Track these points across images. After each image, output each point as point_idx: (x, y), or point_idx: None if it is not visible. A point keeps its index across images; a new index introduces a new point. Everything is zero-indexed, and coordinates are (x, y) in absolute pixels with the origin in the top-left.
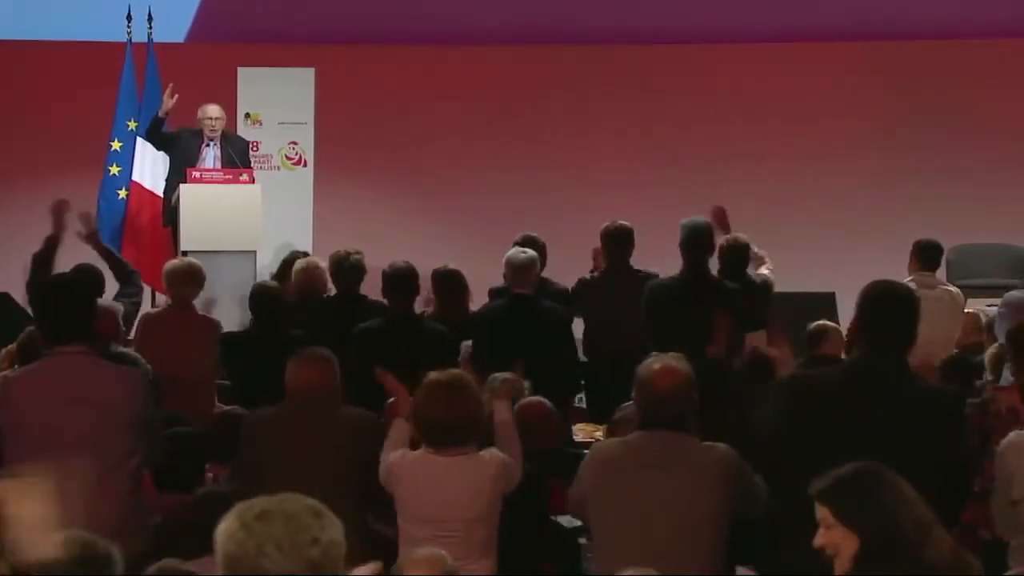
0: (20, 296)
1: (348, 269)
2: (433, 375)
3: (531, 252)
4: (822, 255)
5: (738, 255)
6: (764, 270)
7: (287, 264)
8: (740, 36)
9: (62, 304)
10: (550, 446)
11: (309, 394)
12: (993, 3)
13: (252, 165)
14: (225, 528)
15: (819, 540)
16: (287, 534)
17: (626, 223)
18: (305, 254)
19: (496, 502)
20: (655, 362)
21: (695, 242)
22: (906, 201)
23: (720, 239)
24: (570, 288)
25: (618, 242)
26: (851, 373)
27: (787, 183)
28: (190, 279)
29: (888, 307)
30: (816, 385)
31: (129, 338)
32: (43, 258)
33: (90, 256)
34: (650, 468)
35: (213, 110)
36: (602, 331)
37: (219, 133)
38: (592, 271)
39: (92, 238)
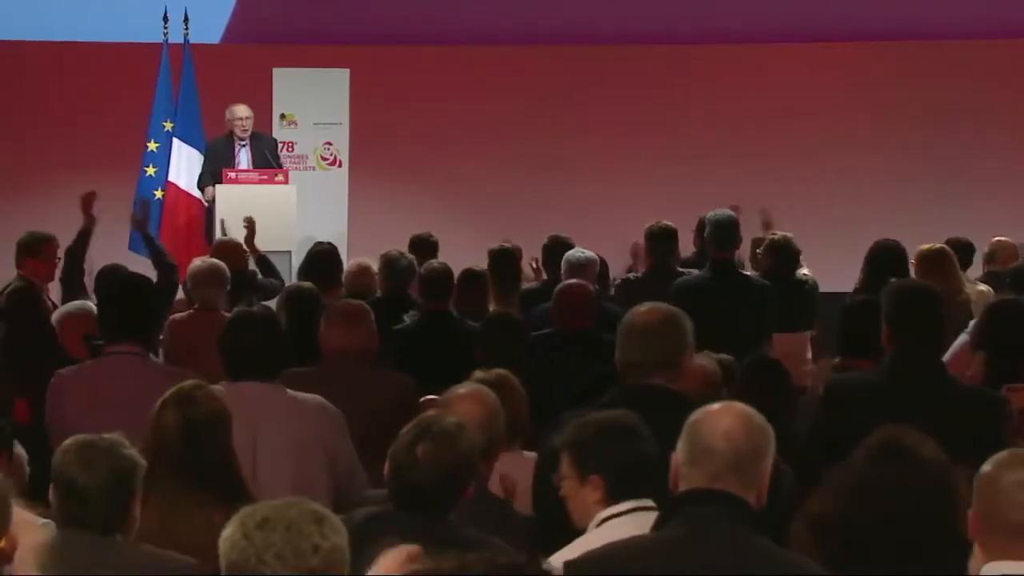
0: (55, 292)
1: (400, 271)
2: (478, 374)
3: (590, 253)
4: (851, 255)
5: (788, 255)
6: (805, 270)
7: (317, 259)
8: (766, 37)
9: (123, 302)
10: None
11: (344, 354)
12: (1014, 3)
13: (287, 165)
14: (228, 535)
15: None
16: (287, 542)
17: (670, 223)
18: (329, 244)
19: (529, 504)
20: None
21: (722, 236)
22: (938, 200)
23: (768, 236)
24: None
25: (662, 242)
26: (888, 375)
27: (815, 182)
28: (214, 280)
29: (915, 306)
30: (856, 389)
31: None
32: (76, 252)
33: (119, 251)
34: None
35: (242, 110)
36: None
37: (250, 133)
38: (630, 268)
39: (141, 225)
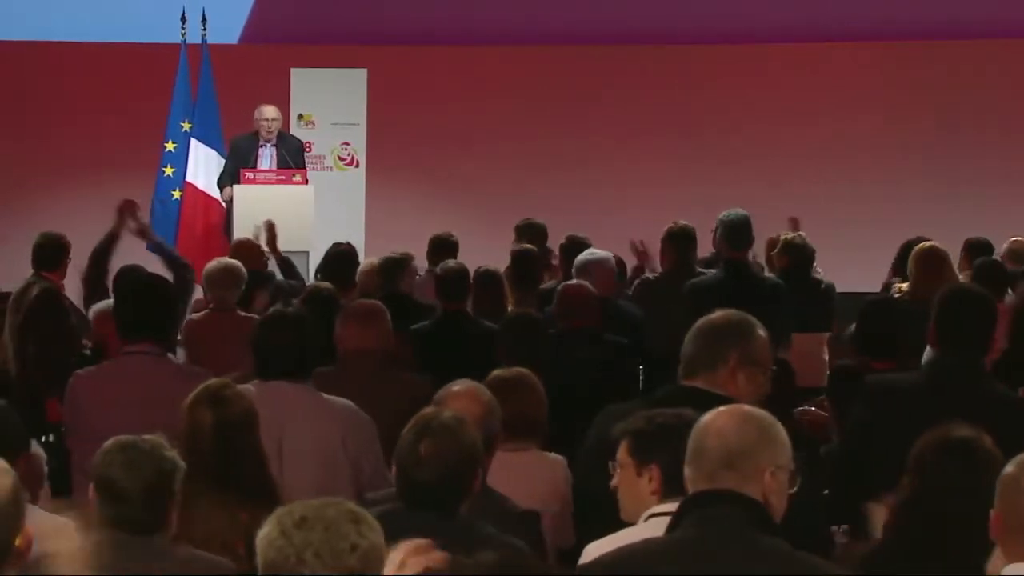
0: (74, 292)
1: (395, 270)
2: (497, 372)
3: (601, 253)
4: (868, 255)
5: (803, 255)
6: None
7: (335, 259)
8: (781, 36)
9: (140, 302)
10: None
11: (360, 355)
12: (1019, 3)
13: (306, 165)
14: (265, 534)
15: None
16: (326, 541)
17: (689, 224)
18: (347, 245)
19: (552, 503)
20: None
21: (735, 236)
22: (954, 201)
23: (783, 236)
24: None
25: (681, 242)
26: (929, 376)
27: (816, 182)
28: (227, 280)
29: (962, 309)
30: (896, 388)
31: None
32: (102, 253)
33: (137, 251)
34: None
35: (269, 111)
36: (664, 333)
37: (275, 134)
38: (639, 268)
39: (143, 232)
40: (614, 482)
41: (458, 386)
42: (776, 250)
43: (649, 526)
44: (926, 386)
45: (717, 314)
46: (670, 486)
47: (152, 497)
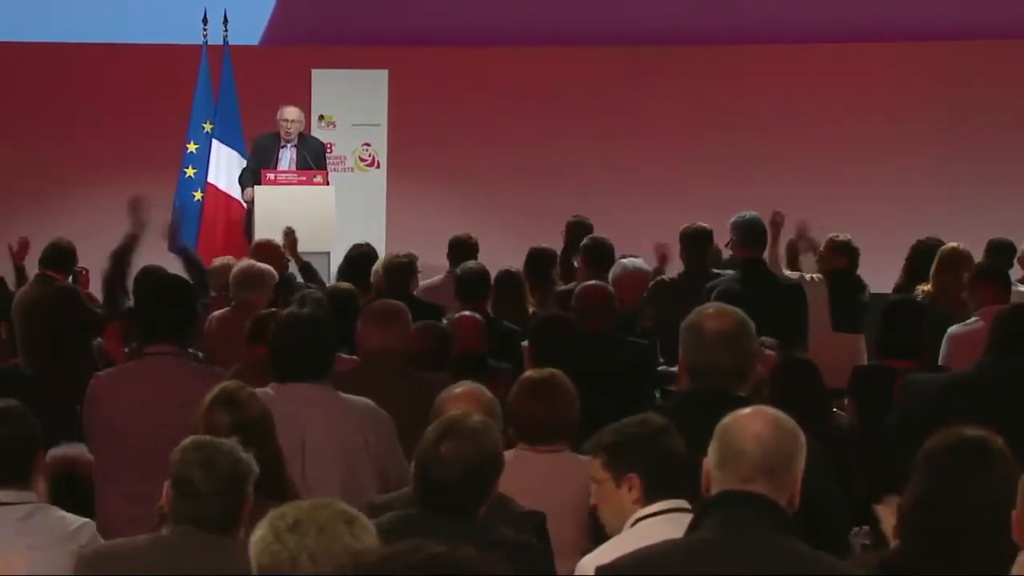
0: (97, 293)
1: (396, 270)
2: (529, 372)
3: (631, 261)
4: (873, 256)
5: (857, 256)
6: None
7: (355, 260)
8: (784, 37)
9: (161, 303)
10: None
11: (381, 355)
12: None
13: (327, 167)
14: (259, 538)
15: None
16: (320, 543)
17: (704, 224)
18: (367, 246)
19: (582, 505)
20: None
21: (750, 237)
22: (961, 201)
23: (835, 238)
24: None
25: (695, 243)
26: (982, 375)
27: (833, 183)
28: (252, 282)
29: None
30: (947, 386)
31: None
32: (121, 255)
33: (157, 252)
34: None
35: (290, 112)
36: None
37: (295, 135)
38: (655, 270)
39: (172, 233)
40: (592, 500)
41: (459, 388)
42: (824, 249)
43: (638, 531)
44: (975, 385)
45: (719, 314)
46: (651, 492)
47: (226, 497)
